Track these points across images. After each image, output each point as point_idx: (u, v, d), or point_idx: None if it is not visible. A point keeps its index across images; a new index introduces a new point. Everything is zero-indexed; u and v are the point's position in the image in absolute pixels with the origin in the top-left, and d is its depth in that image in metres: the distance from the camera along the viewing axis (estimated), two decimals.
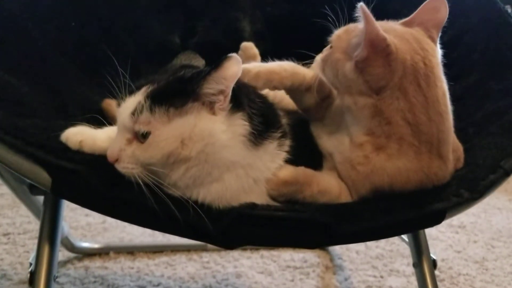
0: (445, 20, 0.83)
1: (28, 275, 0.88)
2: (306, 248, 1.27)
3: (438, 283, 1.41)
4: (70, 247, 1.51)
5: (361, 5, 0.72)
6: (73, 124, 0.78)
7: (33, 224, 1.66)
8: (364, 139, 0.77)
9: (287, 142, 0.78)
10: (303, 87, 0.86)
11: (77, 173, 0.68)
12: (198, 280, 1.43)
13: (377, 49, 0.72)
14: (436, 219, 0.75)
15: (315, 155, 0.84)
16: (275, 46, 1.31)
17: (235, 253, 1.54)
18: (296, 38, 1.31)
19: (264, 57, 1.13)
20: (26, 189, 1.10)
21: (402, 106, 0.74)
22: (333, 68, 0.80)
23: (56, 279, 0.87)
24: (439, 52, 0.82)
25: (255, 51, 1.15)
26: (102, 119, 0.80)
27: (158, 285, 1.41)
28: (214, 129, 0.70)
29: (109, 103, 0.98)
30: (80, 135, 0.76)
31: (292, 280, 1.45)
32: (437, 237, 1.74)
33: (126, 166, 0.70)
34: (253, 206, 0.71)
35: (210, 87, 0.69)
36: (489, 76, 1.06)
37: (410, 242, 1.04)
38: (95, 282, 1.41)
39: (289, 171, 0.76)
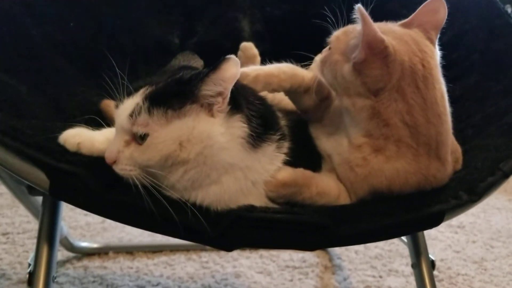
0: (444, 21, 0.83)
1: (27, 275, 0.88)
2: (305, 250, 1.27)
3: (437, 283, 1.42)
4: (69, 246, 1.51)
5: (358, 6, 0.72)
6: (71, 125, 0.77)
7: (32, 224, 1.66)
8: (363, 141, 0.77)
9: (286, 144, 0.78)
10: (301, 88, 0.86)
11: (75, 175, 0.68)
12: (197, 280, 1.43)
13: (375, 50, 0.72)
14: (434, 221, 0.75)
15: (314, 157, 0.84)
16: (274, 46, 1.31)
17: (234, 253, 1.54)
18: (295, 39, 1.31)
19: (263, 58, 1.13)
20: (24, 189, 1.10)
21: (400, 108, 0.74)
22: (332, 70, 0.79)
23: (55, 279, 0.87)
24: (438, 54, 0.82)
25: (255, 51, 1.15)
26: (100, 120, 0.80)
27: (157, 285, 1.41)
28: (212, 131, 0.70)
29: (108, 104, 0.98)
30: (78, 137, 0.75)
31: (291, 280, 1.45)
32: (436, 237, 1.75)
33: (124, 168, 0.70)
34: (251, 208, 0.71)
35: (208, 89, 0.69)
36: (489, 77, 1.06)
37: (409, 243, 1.04)
38: (94, 282, 1.41)
39: (287, 173, 0.76)
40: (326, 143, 0.84)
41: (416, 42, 0.78)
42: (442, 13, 0.82)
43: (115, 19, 1.23)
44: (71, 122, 0.79)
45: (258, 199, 0.74)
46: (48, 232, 0.87)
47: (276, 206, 0.75)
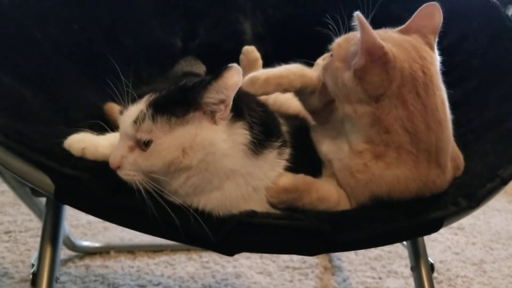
0: (441, 25, 0.84)
1: (31, 276, 0.89)
2: (306, 255, 1.28)
3: (436, 285, 1.43)
4: (71, 245, 1.52)
5: (357, 14, 0.72)
6: (76, 130, 0.78)
7: (34, 222, 1.67)
8: (363, 147, 0.77)
9: (287, 151, 0.79)
10: (309, 89, 0.87)
11: (80, 180, 0.69)
12: (198, 280, 1.45)
13: (374, 57, 0.73)
14: (433, 227, 0.76)
15: (315, 162, 0.85)
16: (276, 49, 1.32)
17: None
18: (297, 42, 1.32)
19: (265, 60, 1.14)
20: (27, 190, 1.11)
21: (401, 114, 0.74)
22: (333, 76, 0.80)
23: (58, 280, 0.88)
24: (437, 59, 0.83)
25: (257, 54, 1.16)
26: (104, 124, 0.80)
27: (158, 284, 1.42)
28: (215, 139, 0.70)
29: (112, 106, 0.99)
30: (82, 142, 0.77)
31: (291, 281, 1.46)
32: (436, 238, 1.75)
33: (127, 173, 0.71)
34: (253, 214, 0.72)
35: (210, 96, 0.70)
36: (489, 82, 1.06)
37: (408, 246, 1.05)
38: (95, 281, 1.42)
39: (288, 179, 0.77)
40: (328, 148, 0.84)
41: (415, 48, 0.78)
42: (438, 17, 0.82)
43: (117, 21, 1.24)
44: (75, 127, 0.80)
45: (259, 205, 0.75)
46: (52, 233, 0.88)
47: (277, 212, 0.76)
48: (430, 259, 1.02)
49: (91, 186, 0.69)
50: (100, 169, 0.72)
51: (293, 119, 0.90)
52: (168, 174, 0.70)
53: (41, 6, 1.08)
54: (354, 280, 1.49)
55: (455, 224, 1.85)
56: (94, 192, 0.69)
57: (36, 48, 1.01)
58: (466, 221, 1.88)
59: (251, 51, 1.15)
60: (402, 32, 0.83)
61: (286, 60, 0.92)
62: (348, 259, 1.60)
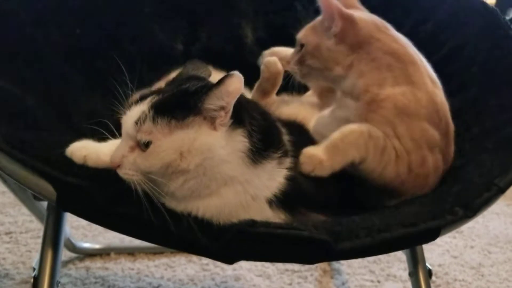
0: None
1: (32, 280, 0.90)
2: (305, 264, 1.29)
3: None
4: (72, 247, 1.53)
5: None
6: (77, 138, 0.79)
7: (35, 223, 1.67)
8: (365, 85, 0.91)
9: (288, 160, 0.80)
10: None
11: (81, 188, 0.70)
12: (197, 282, 1.46)
13: (345, 19, 0.92)
14: (430, 237, 0.77)
15: None
16: None
17: None
18: None
19: None
20: (29, 193, 1.12)
21: (380, 45, 0.93)
22: (317, 56, 0.96)
23: (59, 284, 0.89)
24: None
25: (279, 67, 1.09)
26: (104, 132, 0.81)
27: (157, 286, 1.43)
28: (213, 144, 0.71)
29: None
30: (84, 150, 0.77)
31: (290, 284, 1.47)
32: (434, 242, 1.72)
33: (127, 172, 0.72)
34: (252, 223, 0.72)
35: (211, 102, 0.71)
36: (488, 91, 1.06)
37: (406, 252, 1.06)
38: (96, 283, 1.43)
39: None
40: (338, 122, 0.93)
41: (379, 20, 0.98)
42: None
43: (119, 25, 1.25)
44: (77, 133, 0.81)
45: (258, 214, 0.75)
46: (53, 236, 0.89)
47: (276, 221, 0.77)
48: (428, 264, 1.03)
49: (92, 194, 0.70)
50: (102, 177, 0.73)
51: (291, 124, 0.91)
52: (165, 176, 0.71)
53: (43, 12, 1.08)
54: (353, 283, 1.50)
55: None
56: (96, 200, 0.70)
57: (38, 54, 1.02)
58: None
59: (273, 63, 1.09)
60: None
61: None
62: (347, 262, 1.60)
